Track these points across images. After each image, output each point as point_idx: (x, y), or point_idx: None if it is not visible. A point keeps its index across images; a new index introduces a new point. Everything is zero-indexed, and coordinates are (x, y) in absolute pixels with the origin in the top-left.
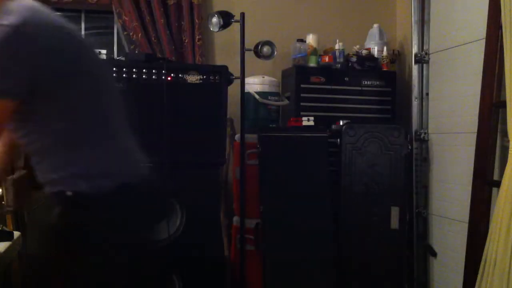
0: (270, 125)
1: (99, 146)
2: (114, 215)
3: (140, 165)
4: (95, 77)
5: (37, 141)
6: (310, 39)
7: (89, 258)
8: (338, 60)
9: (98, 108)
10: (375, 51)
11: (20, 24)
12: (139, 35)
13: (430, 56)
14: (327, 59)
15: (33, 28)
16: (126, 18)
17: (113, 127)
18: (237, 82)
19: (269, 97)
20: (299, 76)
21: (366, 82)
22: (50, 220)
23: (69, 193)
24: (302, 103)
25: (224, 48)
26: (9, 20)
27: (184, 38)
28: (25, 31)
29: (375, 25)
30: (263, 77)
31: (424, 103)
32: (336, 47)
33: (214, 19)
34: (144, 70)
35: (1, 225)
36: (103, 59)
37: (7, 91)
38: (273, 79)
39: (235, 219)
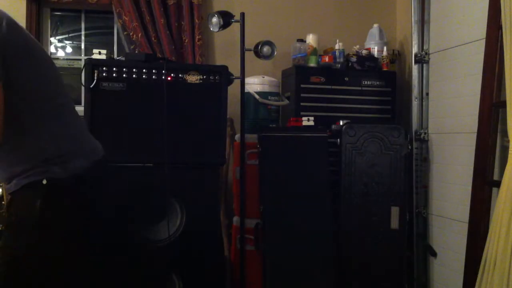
0: (270, 125)
1: (62, 127)
2: (95, 192)
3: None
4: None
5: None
6: (310, 39)
7: (82, 245)
8: (338, 60)
9: (49, 93)
10: (375, 51)
11: None
12: (139, 35)
13: (430, 56)
14: (327, 59)
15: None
16: (126, 18)
17: (64, 108)
18: (237, 82)
19: (269, 97)
20: (299, 76)
21: (366, 82)
22: (32, 215)
23: (44, 181)
24: (302, 103)
25: (224, 48)
26: None
27: (184, 38)
28: None
29: (375, 25)
30: (263, 77)
31: (424, 103)
32: (336, 47)
33: (214, 19)
34: (144, 70)
35: (1, 225)
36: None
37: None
38: (273, 79)
39: (235, 219)
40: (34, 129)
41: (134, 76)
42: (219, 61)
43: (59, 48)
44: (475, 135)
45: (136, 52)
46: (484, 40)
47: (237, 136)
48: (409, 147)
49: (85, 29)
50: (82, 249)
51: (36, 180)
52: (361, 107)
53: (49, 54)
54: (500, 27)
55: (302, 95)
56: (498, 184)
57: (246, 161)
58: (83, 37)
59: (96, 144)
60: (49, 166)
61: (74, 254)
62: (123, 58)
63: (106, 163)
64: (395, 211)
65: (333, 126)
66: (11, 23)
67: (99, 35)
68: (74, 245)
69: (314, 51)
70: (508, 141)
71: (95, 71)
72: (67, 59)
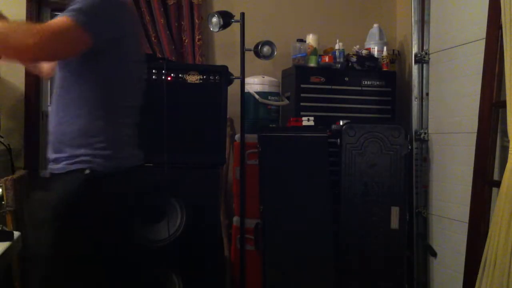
0: (270, 125)
1: (117, 123)
2: (124, 191)
3: (138, 152)
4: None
5: (75, 96)
6: (310, 39)
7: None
8: (338, 60)
9: (128, 92)
10: (375, 51)
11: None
12: None
13: (430, 56)
14: (327, 59)
15: (125, 5)
16: None
17: (130, 107)
18: (237, 82)
19: (269, 97)
20: (299, 76)
21: (366, 82)
22: (64, 197)
23: (87, 171)
24: (302, 103)
25: (224, 48)
26: None
27: (184, 38)
28: (123, 4)
29: (375, 25)
30: (263, 77)
31: (424, 103)
32: (336, 47)
33: (214, 19)
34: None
35: (1, 225)
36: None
37: (97, 34)
38: (273, 79)
39: (235, 219)
40: (104, 111)
41: None
42: (219, 61)
43: None
44: (475, 135)
45: None
46: (484, 40)
47: (237, 136)
48: (409, 147)
49: None
50: (107, 243)
51: (79, 168)
52: (361, 107)
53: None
54: (500, 27)
55: (302, 95)
56: (498, 184)
57: (246, 161)
58: None
59: (139, 152)
60: (95, 157)
61: (100, 247)
62: None
63: (140, 171)
64: (395, 211)
65: (333, 126)
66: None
67: None
68: (101, 238)
69: (314, 51)
70: (508, 141)
71: None
72: None
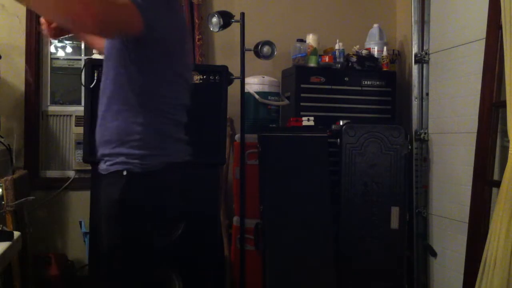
0: (270, 125)
1: (158, 124)
2: (161, 191)
3: (183, 148)
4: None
5: (118, 87)
6: (310, 39)
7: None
8: (338, 60)
9: (172, 87)
10: (375, 51)
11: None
12: None
13: (430, 56)
14: (327, 59)
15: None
16: None
17: (171, 113)
18: (237, 82)
19: (269, 97)
20: (299, 76)
21: (366, 82)
22: (108, 199)
23: (125, 172)
24: (302, 103)
25: (224, 48)
26: None
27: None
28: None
29: (375, 25)
30: (263, 77)
31: (424, 103)
32: (336, 47)
33: (214, 19)
34: None
35: (1, 225)
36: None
37: (147, 16)
38: (273, 79)
39: (235, 219)
40: (145, 108)
41: None
42: (219, 61)
43: (59, 48)
44: (475, 135)
45: None
46: (484, 40)
47: (237, 136)
48: (409, 147)
49: None
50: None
51: (118, 170)
52: (361, 107)
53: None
54: (500, 27)
55: (302, 95)
56: (498, 184)
57: (246, 161)
58: None
59: (185, 148)
60: (132, 157)
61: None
62: None
63: (182, 167)
64: (395, 211)
65: (333, 126)
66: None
67: None
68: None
69: (314, 51)
70: (508, 141)
71: (95, 71)
72: (67, 59)
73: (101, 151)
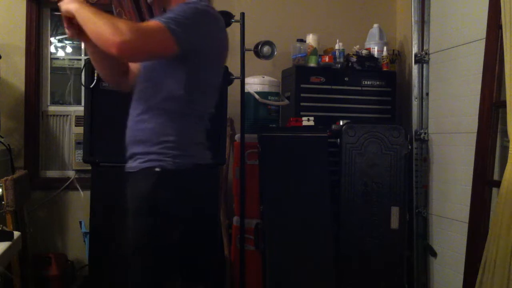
0: (270, 125)
1: (191, 128)
2: (190, 188)
3: (207, 152)
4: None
5: (168, 111)
6: (310, 39)
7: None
8: (338, 60)
9: (205, 98)
10: (375, 51)
11: (210, 8)
12: None
13: (430, 56)
14: (327, 59)
15: (214, 14)
16: (126, 18)
17: (201, 117)
18: (237, 82)
19: (269, 97)
20: (299, 76)
21: (366, 82)
22: (139, 195)
23: (157, 169)
24: (302, 103)
25: None
26: (207, 6)
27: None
28: (212, 13)
29: (375, 25)
30: (263, 77)
31: (424, 103)
32: (336, 47)
33: None
34: None
35: (1, 225)
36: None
37: (182, 41)
38: (273, 79)
39: (235, 219)
40: (187, 119)
41: None
42: None
43: (59, 48)
44: (475, 135)
45: None
46: (484, 40)
47: (237, 136)
48: (409, 147)
49: None
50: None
51: (151, 166)
52: (361, 107)
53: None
54: (500, 27)
55: (302, 95)
56: (498, 184)
57: (246, 161)
58: None
59: (207, 152)
60: (165, 155)
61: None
62: None
63: (203, 167)
64: (395, 211)
65: (333, 126)
66: (222, 27)
67: None
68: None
69: (314, 51)
70: (508, 141)
71: (95, 71)
72: (67, 59)
73: (132, 150)
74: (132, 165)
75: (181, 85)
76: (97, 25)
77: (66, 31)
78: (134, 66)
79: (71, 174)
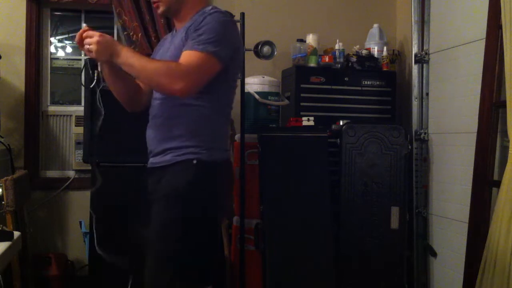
0: (270, 125)
1: (220, 124)
2: (222, 180)
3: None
4: (237, 68)
5: (201, 106)
6: (310, 39)
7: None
8: (338, 60)
9: (231, 94)
10: (375, 51)
11: (228, 13)
12: (139, 35)
13: (430, 56)
14: (327, 59)
15: (232, 19)
16: (126, 18)
17: (228, 112)
18: (237, 82)
19: (269, 97)
20: (299, 76)
21: (366, 82)
22: (179, 185)
23: (195, 161)
24: (302, 103)
25: None
26: (223, 11)
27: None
28: (234, 20)
29: (375, 25)
30: (263, 77)
31: (424, 103)
32: (336, 47)
33: None
34: None
35: (1, 225)
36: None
37: (224, 58)
38: (273, 79)
39: (235, 219)
40: (217, 114)
41: None
42: None
43: (59, 48)
44: (475, 135)
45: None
46: (484, 40)
47: (237, 136)
48: (409, 147)
49: None
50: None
51: (188, 159)
52: (361, 107)
53: (50, 54)
54: (500, 27)
55: (302, 95)
56: (498, 184)
57: (246, 161)
58: None
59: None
60: (200, 148)
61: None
62: None
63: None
64: (395, 211)
65: (333, 126)
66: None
67: None
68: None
69: (314, 51)
70: (508, 141)
71: (95, 71)
72: (67, 59)
73: (165, 145)
74: (164, 159)
75: (215, 83)
76: (151, 75)
77: (101, 67)
78: None
79: (71, 174)
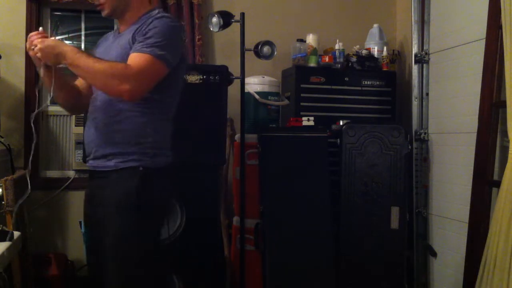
0: (270, 125)
1: (164, 128)
2: (165, 184)
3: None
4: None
5: (144, 113)
6: (310, 39)
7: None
8: (338, 60)
9: (177, 97)
10: (375, 51)
11: (173, 17)
12: None
13: (430, 56)
14: (327, 59)
15: (179, 24)
16: None
17: (172, 114)
18: (237, 82)
19: (269, 97)
20: (299, 76)
21: (366, 82)
22: (125, 191)
23: (140, 168)
24: (302, 103)
25: (224, 48)
26: (171, 16)
27: (184, 38)
28: (182, 26)
29: (375, 25)
30: (263, 77)
31: (424, 103)
32: (336, 47)
33: (214, 19)
34: None
35: (1, 225)
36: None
37: (171, 62)
38: (273, 79)
39: (235, 219)
40: (160, 120)
41: None
42: (219, 61)
43: None
44: (475, 135)
45: None
46: (484, 40)
47: (237, 136)
48: (409, 147)
49: (85, 29)
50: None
51: (133, 166)
52: (361, 107)
53: None
54: (500, 27)
55: (302, 95)
56: (498, 184)
57: (246, 161)
58: (83, 37)
59: (171, 153)
60: (144, 156)
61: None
62: None
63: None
64: (395, 211)
65: (333, 126)
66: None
67: (99, 35)
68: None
69: (314, 51)
70: (508, 141)
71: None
72: None
73: (106, 150)
74: (107, 164)
75: (160, 89)
76: (98, 75)
77: (42, 78)
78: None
79: (71, 174)
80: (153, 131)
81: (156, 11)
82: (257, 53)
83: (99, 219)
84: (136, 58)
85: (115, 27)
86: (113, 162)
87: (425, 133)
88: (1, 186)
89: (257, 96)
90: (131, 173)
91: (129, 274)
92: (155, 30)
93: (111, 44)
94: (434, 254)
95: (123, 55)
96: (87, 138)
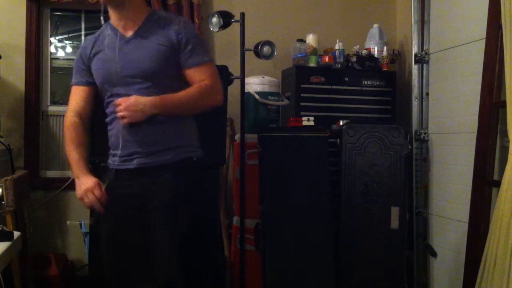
0: (270, 125)
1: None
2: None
3: None
4: None
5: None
6: (310, 39)
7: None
8: (338, 60)
9: None
10: (375, 51)
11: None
12: None
13: (430, 56)
14: (327, 59)
15: None
16: None
17: None
18: (237, 82)
19: (269, 97)
20: (299, 76)
21: (366, 82)
22: (193, 178)
23: (194, 158)
24: (302, 103)
25: (224, 48)
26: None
27: None
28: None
29: (375, 25)
30: (263, 77)
31: (424, 103)
32: (336, 47)
33: (214, 19)
34: None
35: (1, 225)
36: None
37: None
38: (273, 79)
39: (235, 219)
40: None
41: None
42: (219, 61)
43: (59, 48)
44: (475, 135)
45: None
46: (484, 40)
47: (237, 136)
48: (409, 147)
49: (85, 29)
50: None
51: (188, 157)
52: (361, 107)
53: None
54: (500, 27)
55: (302, 95)
56: (498, 184)
57: (246, 161)
58: (83, 37)
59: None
60: (193, 147)
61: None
62: None
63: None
64: (395, 211)
65: (333, 126)
66: None
67: None
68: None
69: (314, 51)
70: (508, 141)
71: None
72: (67, 59)
73: (157, 147)
74: (160, 158)
75: None
76: (198, 104)
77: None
78: None
79: (71, 174)
80: (196, 126)
81: (162, 11)
82: (257, 53)
83: (150, 210)
84: (204, 71)
85: (105, 27)
86: (169, 155)
87: (425, 133)
88: (1, 186)
89: (257, 96)
90: (187, 163)
91: (196, 261)
92: (195, 38)
93: (125, 45)
94: (434, 254)
95: (154, 55)
96: (125, 141)
